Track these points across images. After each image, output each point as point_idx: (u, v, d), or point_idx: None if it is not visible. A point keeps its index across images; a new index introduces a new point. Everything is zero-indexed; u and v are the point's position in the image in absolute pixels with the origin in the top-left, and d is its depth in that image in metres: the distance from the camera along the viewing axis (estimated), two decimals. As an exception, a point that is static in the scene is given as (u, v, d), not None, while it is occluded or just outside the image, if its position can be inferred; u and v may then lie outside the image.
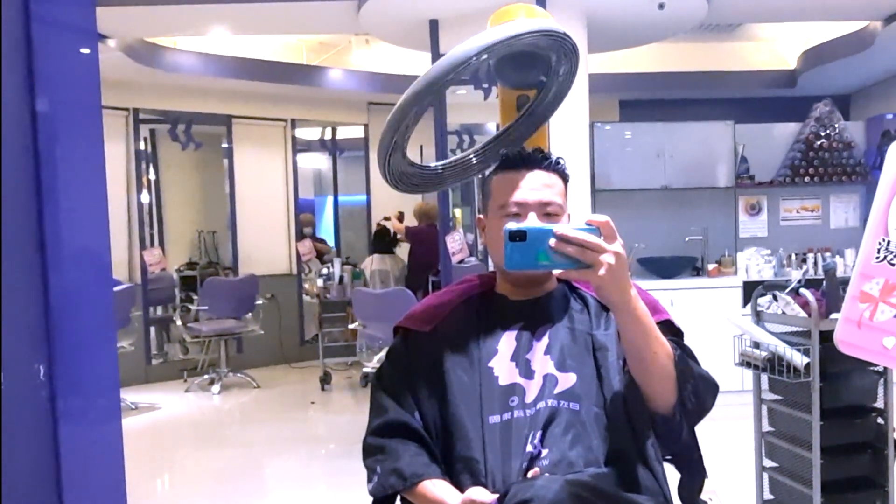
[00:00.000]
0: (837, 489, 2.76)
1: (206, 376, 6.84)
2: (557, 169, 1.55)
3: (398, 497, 1.51)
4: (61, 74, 0.91)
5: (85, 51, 0.95)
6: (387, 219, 7.43)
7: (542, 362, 1.48)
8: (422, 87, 1.58)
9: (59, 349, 0.87)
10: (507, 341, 1.52)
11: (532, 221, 1.46)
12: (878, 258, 1.30)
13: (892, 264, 1.29)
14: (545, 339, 1.51)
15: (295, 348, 7.74)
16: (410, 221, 7.55)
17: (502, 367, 1.48)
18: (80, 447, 0.92)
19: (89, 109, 0.96)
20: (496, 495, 1.31)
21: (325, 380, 6.61)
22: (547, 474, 1.34)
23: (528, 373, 1.47)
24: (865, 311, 1.30)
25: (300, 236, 7.85)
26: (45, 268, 0.86)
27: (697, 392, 1.41)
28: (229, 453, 5.00)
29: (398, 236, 7.47)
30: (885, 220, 1.31)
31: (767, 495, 3.04)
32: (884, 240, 1.30)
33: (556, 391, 1.45)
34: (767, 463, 3.04)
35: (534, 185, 1.51)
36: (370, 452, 1.52)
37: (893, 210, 1.30)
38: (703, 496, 1.57)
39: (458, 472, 1.44)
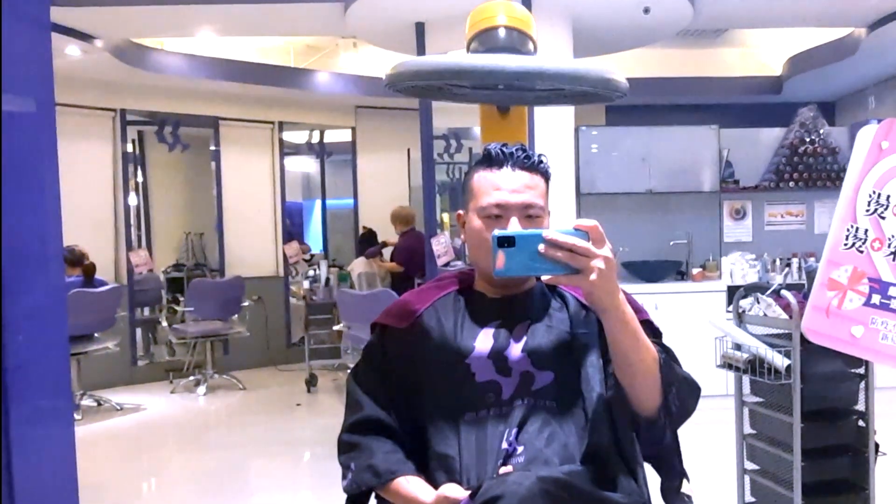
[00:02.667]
0: (818, 492, 2.76)
1: (191, 378, 6.81)
2: (539, 168, 1.52)
3: (372, 494, 1.51)
4: (14, 68, 0.87)
5: (39, 43, 0.92)
6: (382, 257, 7.31)
7: (519, 360, 1.48)
8: (483, 71, 1.57)
9: (9, 351, 0.84)
10: (484, 338, 1.51)
11: (514, 225, 1.45)
12: (846, 245, 1.30)
13: (861, 251, 1.28)
14: (523, 337, 1.50)
15: (281, 350, 7.72)
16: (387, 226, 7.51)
17: (479, 364, 1.48)
18: (32, 451, 0.90)
19: (43, 106, 0.93)
20: (469, 492, 1.31)
21: (311, 382, 6.59)
22: (518, 471, 1.34)
23: (505, 370, 1.47)
24: (833, 300, 1.29)
25: (287, 238, 7.83)
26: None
27: (681, 395, 1.40)
28: (215, 455, 4.98)
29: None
30: (854, 206, 1.29)
31: (748, 497, 3.04)
32: (852, 226, 1.29)
33: (532, 389, 1.44)
34: (748, 465, 3.03)
35: (515, 187, 1.49)
36: (345, 449, 1.52)
37: (861, 196, 1.29)
38: (683, 491, 1.57)
39: (433, 469, 1.44)
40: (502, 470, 1.37)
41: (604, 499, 1.33)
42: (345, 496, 1.53)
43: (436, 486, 1.40)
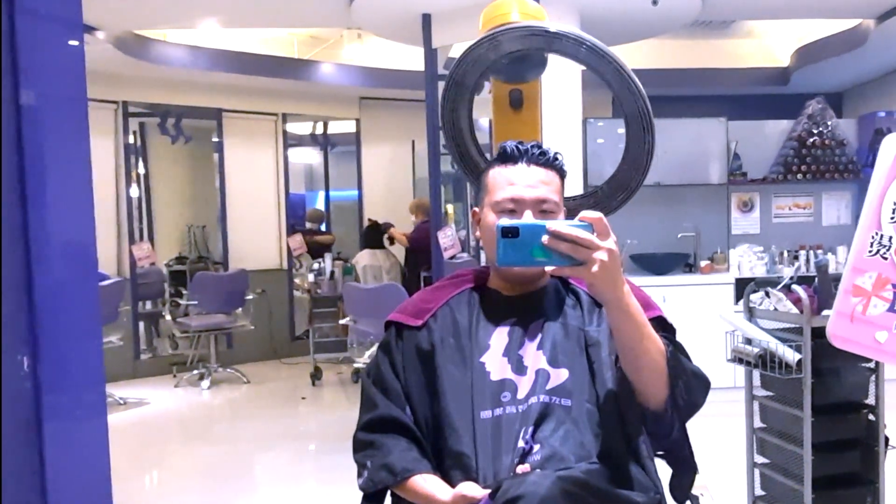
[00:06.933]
0: (828, 485, 2.76)
1: (195, 371, 6.81)
2: (555, 165, 1.53)
3: (388, 492, 1.50)
4: (46, 67, 0.89)
5: (71, 42, 0.94)
6: (390, 236, 7.36)
7: (534, 358, 1.47)
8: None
9: (43, 343, 0.85)
10: (499, 337, 1.50)
11: (527, 219, 1.44)
12: (870, 252, 1.29)
13: (885, 258, 1.28)
14: (538, 335, 1.49)
15: (285, 344, 7.71)
16: (404, 217, 7.51)
17: (494, 362, 1.47)
18: (65, 443, 0.90)
19: (75, 102, 0.95)
20: (487, 490, 1.30)
21: (316, 375, 6.58)
22: (538, 470, 1.33)
23: (520, 368, 1.46)
24: (858, 305, 1.29)
25: (292, 231, 7.81)
26: (28, 260, 0.85)
27: (689, 388, 1.40)
28: (219, 449, 4.97)
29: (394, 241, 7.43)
30: (878, 214, 1.30)
31: (759, 491, 3.04)
32: (876, 233, 1.29)
33: (548, 387, 1.44)
34: (759, 459, 3.03)
35: (530, 182, 1.49)
36: (360, 447, 1.51)
37: (886, 204, 1.29)
38: (694, 491, 1.56)
39: (449, 468, 1.43)
40: (519, 469, 1.36)
41: (622, 498, 1.33)
42: (354, 492, 1.52)
43: (452, 485, 1.39)
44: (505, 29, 1.69)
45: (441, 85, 4.98)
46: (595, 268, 1.24)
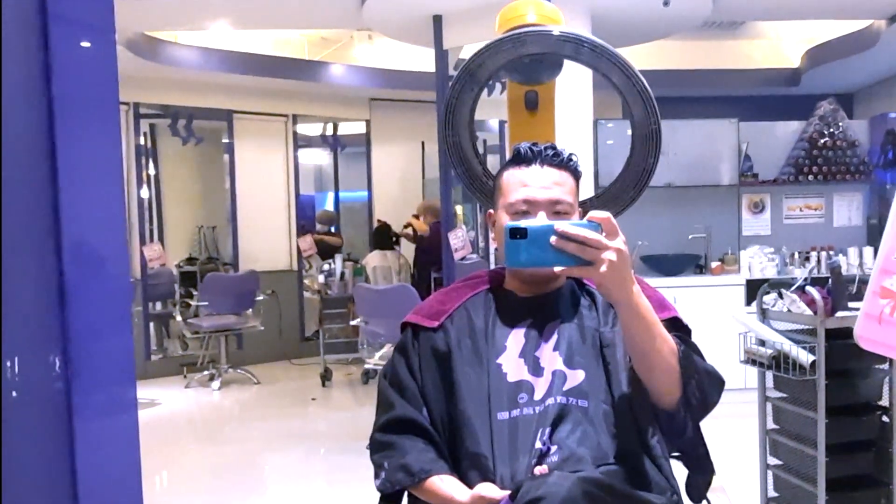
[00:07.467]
0: (842, 487, 2.75)
1: (205, 372, 6.83)
2: (569, 166, 1.53)
3: (405, 493, 1.50)
4: (77, 69, 0.90)
5: (95, 44, 0.95)
6: (408, 229, 7.36)
7: (550, 359, 1.47)
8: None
9: (75, 342, 0.86)
10: (515, 338, 1.50)
11: (541, 220, 1.44)
12: None
13: None
14: (554, 336, 1.49)
15: (295, 344, 7.72)
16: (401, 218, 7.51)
17: (511, 363, 1.47)
18: (96, 440, 0.91)
19: (106, 104, 0.96)
20: (506, 492, 1.30)
21: (326, 376, 6.59)
22: (556, 472, 1.33)
23: (536, 369, 1.46)
24: (886, 307, 1.28)
25: (302, 231, 7.82)
26: (60, 258, 0.86)
27: (702, 387, 1.40)
28: (229, 449, 4.98)
29: (419, 234, 7.42)
30: None
31: (772, 493, 3.03)
32: None
33: (564, 388, 1.44)
34: (772, 461, 3.03)
35: (544, 183, 1.49)
36: (377, 448, 1.51)
37: None
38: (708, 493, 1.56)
39: (466, 469, 1.43)
40: (537, 470, 1.36)
41: (642, 500, 1.33)
42: (364, 492, 1.53)
43: (469, 486, 1.39)
44: (534, 31, 1.70)
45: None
46: (603, 268, 1.25)
